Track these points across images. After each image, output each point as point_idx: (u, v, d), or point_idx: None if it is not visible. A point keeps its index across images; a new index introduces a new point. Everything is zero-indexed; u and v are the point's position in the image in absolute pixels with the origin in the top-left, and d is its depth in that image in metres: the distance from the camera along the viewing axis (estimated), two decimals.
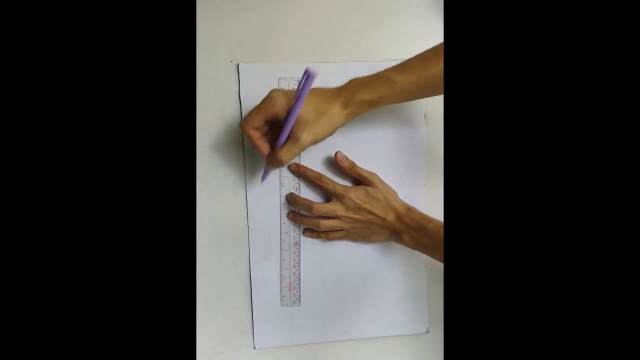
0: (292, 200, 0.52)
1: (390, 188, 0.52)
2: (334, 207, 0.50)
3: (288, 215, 0.53)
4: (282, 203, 0.52)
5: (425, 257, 0.55)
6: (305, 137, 0.43)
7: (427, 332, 0.56)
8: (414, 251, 0.51)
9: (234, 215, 0.52)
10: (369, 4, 0.53)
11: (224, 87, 0.51)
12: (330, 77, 0.52)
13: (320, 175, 0.51)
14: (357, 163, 0.52)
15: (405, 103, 0.53)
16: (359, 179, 0.52)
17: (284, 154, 0.44)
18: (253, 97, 0.51)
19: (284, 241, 0.53)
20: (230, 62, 0.51)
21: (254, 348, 0.53)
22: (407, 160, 0.54)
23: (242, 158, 0.51)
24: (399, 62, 0.52)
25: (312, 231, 0.53)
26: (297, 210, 0.52)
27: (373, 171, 0.52)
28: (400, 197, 0.52)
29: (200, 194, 0.51)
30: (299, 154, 0.51)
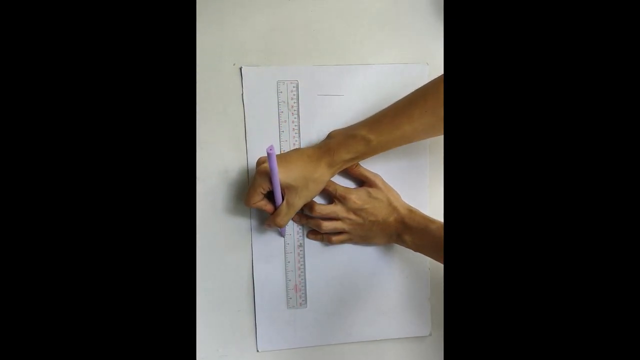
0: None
1: (393, 190, 0.52)
2: (335, 209, 0.50)
3: (294, 218, 0.53)
4: None
5: (428, 260, 0.55)
6: (298, 201, 0.47)
7: (430, 334, 0.56)
8: (416, 254, 0.51)
9: (236, 218, 0.52)
10: (370, 8, 0.53)
11: (227, 90, 0.51)
12: (332, 80, 0.52)
13: None
14: (360, 165, 0.52)
15: None
16: (362, 179, 0.52)
17: (280, 219, 0.48)
18: (256, 100, 0.51)
19: (288, 243, 0.53)
20: (234, 65, 0.51)
21: (257, 351, 0.53)
22: (410, 162, 0.54)
23: (245, 160, 0.52)
24: (398, 64, 0.52)
25: (316, 233, 0.53)
26: (300, 212, 0.53)
27: (376, 173, 0.52)
28: (404, 199, 0.52)
29: (203, 196, 0.51)
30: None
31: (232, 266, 0.52)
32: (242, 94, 0.51)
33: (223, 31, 0.51)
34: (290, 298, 0.53)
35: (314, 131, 0.52)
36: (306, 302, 0.54)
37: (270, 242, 0.53)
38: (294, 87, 0.51)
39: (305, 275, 0.53)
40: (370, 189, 0.51)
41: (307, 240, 0.53)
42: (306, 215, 0.52)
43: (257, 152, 0.51)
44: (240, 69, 0.51)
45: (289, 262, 0.53)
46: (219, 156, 0.51)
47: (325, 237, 0.52)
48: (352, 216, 0.50)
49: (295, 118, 0.52)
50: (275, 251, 0.53)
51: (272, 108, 0.51)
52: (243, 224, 0.52)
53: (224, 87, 0.51)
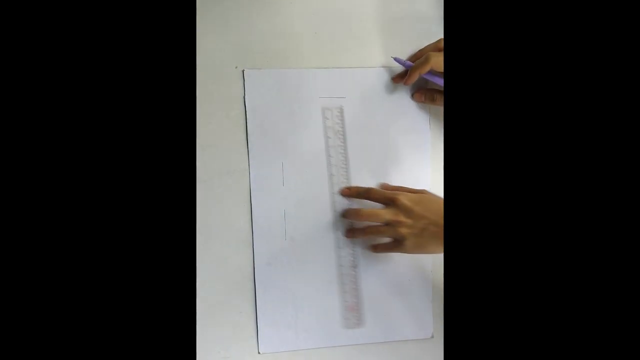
0: (346, 214, 0.52)
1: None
2: (383, 212, 0.49)
3: (346, 234, 0.53)
4: (286, 211, 0.53)
5: (430, 262, 0.55)
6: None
7: (432, 337, 0.56)
8: (419, 257, 0.51)
9: (238, 220, 0.52)
10: (372, 10, 0.53)
11: (229, 93, 0.51)
12: (334, 83, 0.52)
13: (368, 189, 0.51)
14: (363, 168, 0.52)
15: (409, 107, 0.54)
16: (386, 201, 0.50)
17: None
18: (258, 102, 0.51)
19: (342, 265, 0.53)
20: (236, 68, 0.51)
21: (259, 353, 0.53)
22: (412, 164, 0.54)
23: (246, 162, 0.52)
24: (398, 67, 0.53)
25: (354, 232, 0.52)
26: (350, 226, 0.53)
27: (379, 175, 0.52)
28: None
29: (204, 198, 0.51)
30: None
31: (233, 268, 0.52)
32: (244, 97, 0.51)
33: (225, 34, 0.51)
34: (347, 319, 0.54)
35: (316, 132, 0.52)
36: (364, 322, 0.54)
37: (271, 243, 0.53)
38: (338, 112, 0.52)
39: (360, 296, 0.53)
40: (422, 195, 0.50)
41: (362, 260, 0.53)
42: (353, 230, 0.52)
43: (259, 154, 0.52)
44: (243, 71, 0.51)
45: (344, 283, 0.53)
46: (221, 158, 0.51)
47: (371, 247, 0.52)
48: (402, 218, 0.47)
49: (341, 142, 0.53)
50: (277, 254, 0.53)
51: (273, 110, 0.52)
52: (244, 225, 0.52)
53: (226, 89, 0.51)
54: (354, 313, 0.54)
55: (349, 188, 0.52)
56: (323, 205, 0.53)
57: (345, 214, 0.52)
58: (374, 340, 0.55)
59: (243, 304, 0.53)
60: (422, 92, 0.52)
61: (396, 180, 0.53)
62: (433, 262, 0.55)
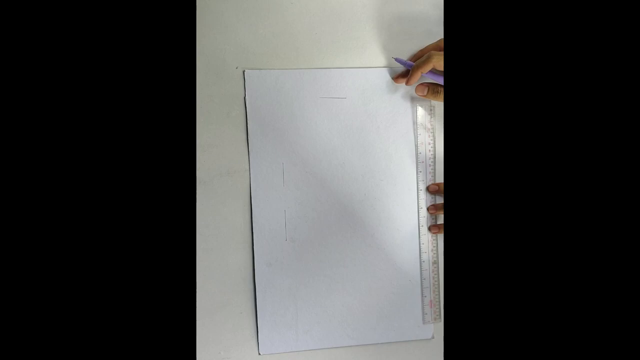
0: (434, 209, 0.54)
1: None
2: None
3: (432, 229, 0.54)
4: (286, 212, 0.53)
5: (430, 263, 0.55)
6: None
7: (433, 337, 0.56)
8: (418, 258, 0.51)
9: (238, 220, 0.52)
10: (373, 11, 0.53)
11: (229, 93, 0.51)
12: (335, 83, 0.52)
13: None
14: (364, 170, 0.52)
15: (410, 109, 0.54)
16: None
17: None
18: (258, 102, 0.51)
19: (424, 261, 0.55)
20: (236, 68, 0.51)
21: (259, 354, 0.53)
22: (413, 163, 0.54)
23: (246, 163, 0.52)
24: (398, 67, 0.53)
25: (441, 228, 0.54)
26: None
27: (380, 174, 0.52)
28: (405, 198, 0.53)
29: (205, 198, 0.51)
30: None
31: (233, 268, 0.52)
32: (245, 97, 0.51)
33: (226, 35, 0.51)
34: (426, 314, 0.55)
35: (317, 133, 0.52)
36: (440, 317, 0.55)
37: (272, 244, 0.53)
38: (431, 109, 0.54)
39: (439, 291, 0.55)
40: None
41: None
42: (440, 225, 0.53)
43: (259, 154, 0.52)
44: (243, 72, 0.51)
45: (424, 279, 0.55)
46: (221, 158, 0.51)
47: None
48: None
49: (431, 140, 0.54)
50: (277, 254, 0.53)
51: (273, 111, 0.52)
52: (244, 225, 0.52)
53: (226, 90, 0.51)
54: (433, 309, 0.55)
55: (438, 184, 0.54)
56: (324, 205, 0.53)
57: (436, 209, 0.54)
58: (374, 340, 0.55)
59: (243, 304, 0.53)
60: (425, 85, 0.52)
61: (395, 179, 0.53)
62: (434, 263, 0.55)
